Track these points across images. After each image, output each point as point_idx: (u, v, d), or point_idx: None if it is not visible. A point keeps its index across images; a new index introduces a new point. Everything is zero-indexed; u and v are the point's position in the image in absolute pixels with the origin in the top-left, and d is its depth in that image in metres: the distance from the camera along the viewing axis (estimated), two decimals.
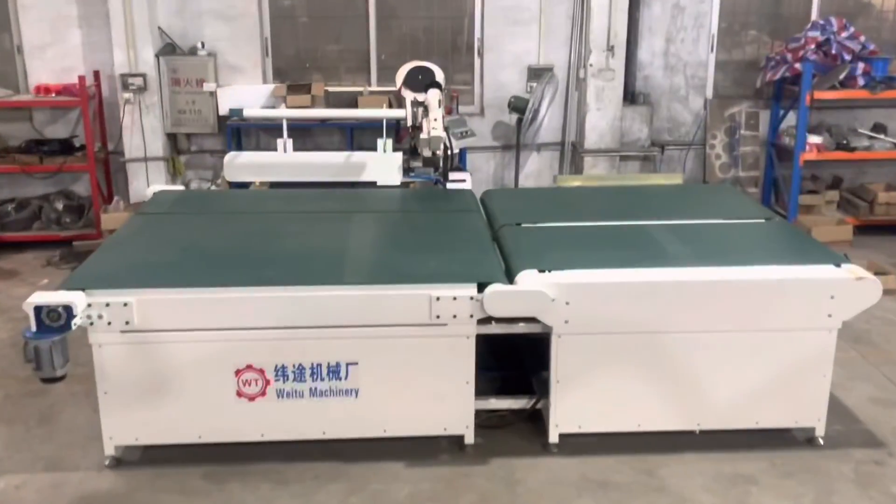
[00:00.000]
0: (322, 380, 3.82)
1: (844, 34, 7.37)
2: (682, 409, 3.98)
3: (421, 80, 5.32)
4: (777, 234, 4.55)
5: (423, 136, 5.02)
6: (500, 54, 7.84)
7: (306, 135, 7.52)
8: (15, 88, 7.58)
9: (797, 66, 7.33)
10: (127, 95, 7.38)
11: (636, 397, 3.95)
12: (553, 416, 3.97)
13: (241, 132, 7.69)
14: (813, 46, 7.36)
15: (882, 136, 7.73)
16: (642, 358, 3.89)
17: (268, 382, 3.82)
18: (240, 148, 7.49)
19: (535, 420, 4.15)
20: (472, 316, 3.73)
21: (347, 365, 3.81)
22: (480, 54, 7.87)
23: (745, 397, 3.98)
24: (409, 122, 5.30)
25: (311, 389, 3.83)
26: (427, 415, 3.93)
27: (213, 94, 7.53)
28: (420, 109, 5.21)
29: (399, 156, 5.60)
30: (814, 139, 7.46)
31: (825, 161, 7.71)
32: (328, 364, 3.81)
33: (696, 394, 3.96)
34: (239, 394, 3.82)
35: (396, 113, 5.84)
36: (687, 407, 3.98)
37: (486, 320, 3.78)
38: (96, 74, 7.54)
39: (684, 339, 3.88)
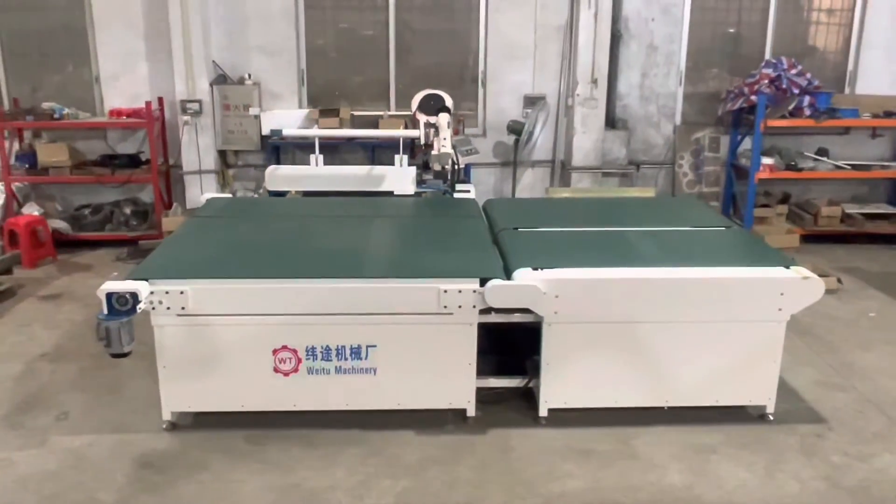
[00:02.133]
0: (346, 359, 3.80)
1: (793, 71, 7.32)
2: (654, 388, 3.95)
3: (433, 105, 5.31)
4: (735, 239, 4.51)
5: (434, 152, 5.01)
6: (500, 84, 7.81)
7: (335, 151, 7.50)
8: (92, 111, 7.59)
9: (753, 98, 7.28)
10: (185, 118, 7.37)
11: (614, 377, 3.91)
12: (543, 393, 3.94)
13: (279, 149, 7.67)
14: (766, 81, 7.31)
15: (825, 159, 7.67)
16: (620, 344, 3.86)
17: (300, 360, 3.80)
18: (279, 162, 7.47)
19: (528, 397, 4.12)
20: (474, 307, 3.71)
21: (367, 347, 3.79)
22: (483, 84, 7.84)
23: (707, 378, 3.94)
24: (423, 141, 5.29)
25: (336, 367, 3.81)
26: (435, 391, 3.90)
27: (257, 117, 7.52)
28: (432, 130, 5.20)
29: (413, 169, 5.58)
30: (766, 160, 7.41)
31: (776, 179, 7.65)
32: (351, 346, 3.78)
33: (666, 375, 3.92)
34: (275, 370, 3.80)
35: (411, 133, 5.82)
36: (657, 386, 3.95)
37: (487, 310, 3.76)
38: (160, 100, 7.54)
39: (656, 328, 3.84)
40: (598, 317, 3.81)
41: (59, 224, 7.32)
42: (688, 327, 3.85)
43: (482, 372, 3.93)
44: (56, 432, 3.92)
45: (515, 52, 7.72)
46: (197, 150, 7.48)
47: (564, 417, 3.97)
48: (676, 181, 8.08)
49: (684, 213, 5.14)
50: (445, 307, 3.69)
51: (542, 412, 3.97)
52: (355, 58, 7.79)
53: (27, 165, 7.30)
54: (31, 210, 7.30)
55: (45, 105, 7.27)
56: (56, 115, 7.18)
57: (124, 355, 3.53)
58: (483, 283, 3.68)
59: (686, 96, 8.02)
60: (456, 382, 3.89)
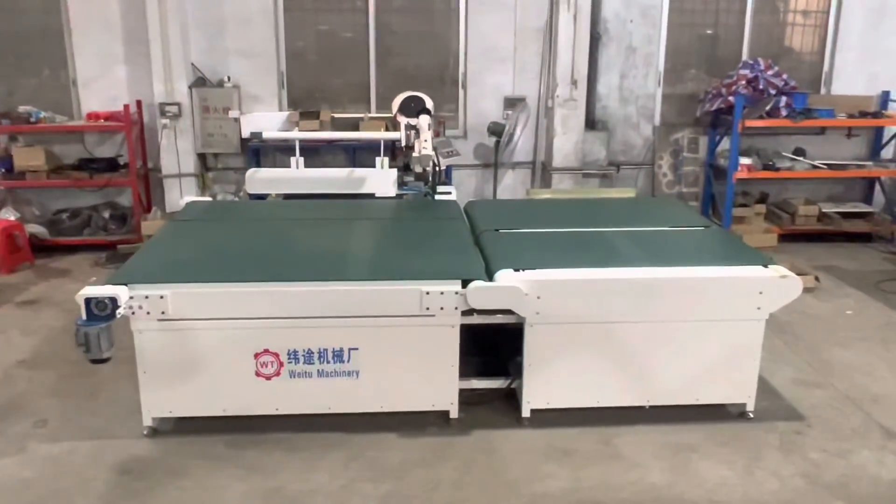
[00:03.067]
0: (328, 362, 3.79)
1: (770, 72, 7.40)
2: (635, 387, 3.97)
3: (413, 108, 5.29)
4: (714, 239, 4.54)
5: (415, 154, 5.00)
6: (480, 86, 7.82)
7: (315, 154, 7.48)
8: (70, 115, 7.51)
9: (731, 98, 7.35)
10: (164, 121, 7.32)
11: (596, 377, 3.93)
12: (525, 394, 3.95)
13: (260, 152, 7.64)
14: (744, 82, 7.38)
15: (801, 159, 7.76)
16: (602, 344, 3.87)
17: (282, 364, 3.78)
18: (259, 165, 7.43)
19: (510, 398, 4.13)
20: (456, 308, 3.71)
21: (349, 350, 3.78)
22: (464, 86, 7.85)
23: (688, 377, 3.97)
24: (403, 143, 5.27)
25: (318, 370, 3.79)
26: (418, 393, 3.89)
27: (237, 120, 7.47)
28: (412, 132, 5.18)
29: (394, 172, 5.57)
30: (745, 161, 7.47)
31: (754, 179, 7.72)
32: (333, 349, 3.77)
33: (647, 374, 3.94)
34: (257, 374, 3.78)
35: (392, 135, 5.81)
36: (638, 386, 3.97)
37: (469, 312, 3.76)
38: (139, 103, 7.48)
39: (637, 327, 3.86)
40: (580, 317, 3.82)
41: (37, 229, 7.24)
42: (668, 326, 3.87)
43: (465, 373, 3.93)
44: (35, 440, 3.87)
45: (495, 54, 7.73)
46: (176, 153, 7.43)
47: (547, 418, 3.98)
48: (656, 182, 8.13)
49: (664, 213, 5.17)
50: (427, 309, 3.69)
51: (525, 413, 3.98)
52: (335, 60, 7.78)
53: (3, 170, 7.21)
54: (8, 215, 7.21)
55: (22, 108, 7.19)
56: (32, 119, 7.10)
57: (104, 361, 3.50)
58: (465, 284, 3.68)
59: (665, 97, 8.07)
60: (439, 384, 3.88)
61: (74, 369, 4.62)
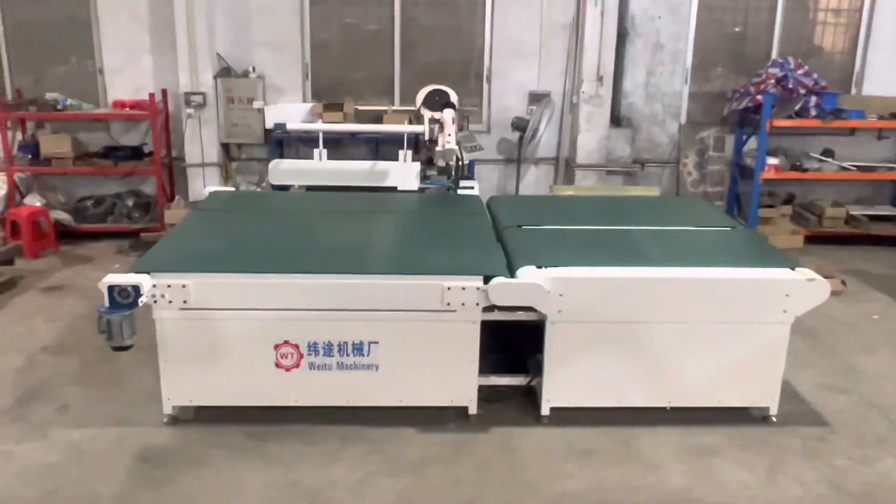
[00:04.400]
0: (348, 355, 3.79)
1: (800, 71, 7.29)
2: (656, 388, 3.93)
3: (438, 101, 5.28)
4: (740, 240, 4.49)
5: (439, 148, 4.99)
6: (505, 81, 7.78)
7: (338, 146, 7.48)
8: (96, 103, 7.57)
9: (759, 97, 7.26)
10: (189, 111, 7.36)
11: (617, 377, 3.90)
12: (545, 392, 3.93)
13: (283, 143, 7.66)
14: (773, 81, 7.28)
15: (830, 160, 7.64)
16: (623, 343, 3.84)
17: (302, 356, 3.79)
18: (282, 156, 7.45)
19: (530, 395, 4.11)
20: (478, 304, 3.70)
21: (370, 343, 3.78)
22: (488, 81, 7.82)
23: (710, 379, 3.93)
24: (427, 137, 5.26)
25: (338, 363, 3.80)
26: (437, 388, 3.89)
27: (261, 110, 7.50)
28: (436, 126, 5.17)
29: (417, 165, 5.56)
30: (772, 161, 7.37)
31: (781, 180, 7.62)
32: (353, 342, 3.77)
33: (669, 375, 3.91)
34: (277, 365, 3.79)
35: (416, 128, 5.80)
36: (660, 386, 3.93)
37: (490, 308, 3.75)
38: (164, 92, 7.52)
39: (660, 328, 3.83)
40: (602, 316, 3.79)
41: (62, 215, 7.31)
42: (691, 327, 3.84)
43: (484, 370, 3.92)
44: (57, 425, 3.91)
45: (521, 50, 7.69)
46: (200, 142, 7.47)
47: (566, 416, 3.96)
48: (680, 180, 8.06)
49: (688, 212, 5.12)
50: (448, 304, 3.68)
51: (545, 411, 3.96)
52: (360, 53, 7.77)
53: (30, 156, 7.29)
54: (34, 201, 7.29)
55: (49, 96, 7.25)
56: (59, 106, 7.17)
57: (126, 348, 3.53)
58: (486, 280, 3.66)
59: (692, 95, 7.99)
60: (458, 380, 3.88)
61: (97, 356, 4.66)
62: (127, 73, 7.53)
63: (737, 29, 7.93)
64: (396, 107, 7.65)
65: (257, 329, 3.74)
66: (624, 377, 3.90)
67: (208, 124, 7.45)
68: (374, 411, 3.94)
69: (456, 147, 4.99)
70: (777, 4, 7.76)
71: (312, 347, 3.78)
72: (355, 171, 5.62)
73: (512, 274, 3.76)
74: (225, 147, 7.69)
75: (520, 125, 7.53)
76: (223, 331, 3.74)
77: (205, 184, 7.31)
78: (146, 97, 7.19)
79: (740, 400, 4.01)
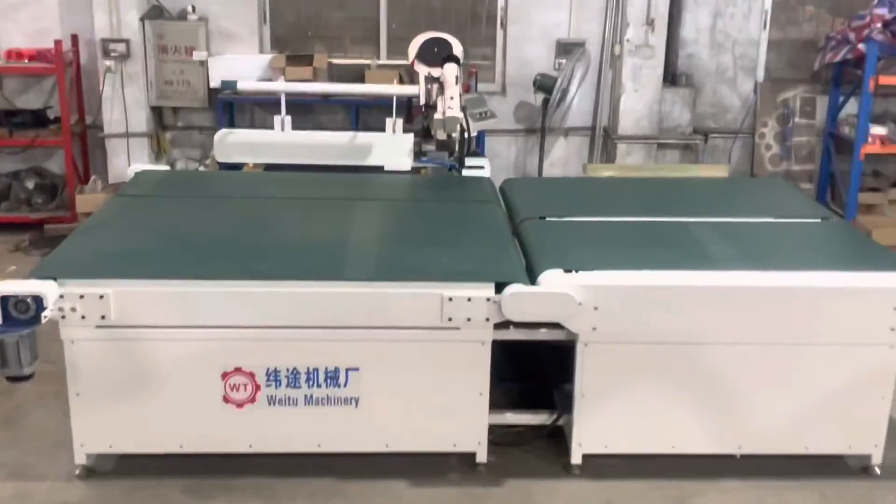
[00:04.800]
0: (319, 386, 3.82)
1: None
2: (723, 429, 3.96)
3: (436, 54, 5.30)
4: (834, 235, 4.52)
5: (438, 116, 5.00)
6: (525, 26, 7.81)
7: (306, 112, 7.52)
8: None
9: (861, 46, 7.27)
10: (108, 63, 7.38)
11: (670, 415, 3.93)
12: (576, 433, 3.96)
13: (233, 107, 7.69)
14: (879, 25, 7.28)
15: None
16: (679, 371, 3.87)
17: (258, 387, 3.81)
18: (232, 125, 7.49)
19: (556, 438, 4.14)
20: (488, 319, 3.72)
21: (347, 370, 3.81)
22: (503, 26, 7.85)
23: (794, 419, 3.95)
24: (422, 101, 5.28)
25: (306, 397, 3.82)
26: (435, 429, 3.92)
27: (203, 63, 7.53)
28: (435, 86, 5.20)
29: (410, 138, 5.58)
30: (877, 130, 7.39)
31: (889, 155, 7.64)
32: (326, 369, 3.80)
33: (739, 413, 3.93)
34: (226, 399, 3.82)
35: (408, 90, 5.83)
36: (727, 428, 3.96)
37: (504, 325, 3.77)
38: (74, 39, 7.55)
39: (727, 351, 3.85)
40: (651, 335, 3.82)
41: None
42: (769, 351, 3.86)
43: (497, 405, 3.95)
44: None
45: None
46: (123, 106, 7.50)
47: (604, 466, 3.99)
48: (757, 156, 8.08)
49: (766, 198, 5.14)
50: (450, 320, 3.71)
51: (576, 458, 3.99)
52: None
53: None
54: None
55: None
56: None
57: (24, 378, 3.52)
58: (499, 288, 3.69)
59: (772, 44, 8.02)
60: (463, 418, 3.91)
61: None
62: (25, 14, 7.56)
63: None
64: (383, 60, 7.68)
65: (200, 353, 3.77)
66: (680, 415, 3.92)
67: (133, 82, 7.48)
68: (353, 459, 3.97)
69: (460, 114, 5.01)
70: None
71: (272, 376, 3.80)
72: (329, 145, 5.64)
73: (532, 280, 3.79)
74: (156, 112, 7.72)
75: (545, 85, 7.56)
76: (154, 355, 3.76)
77: (129, 161, 7.34)
78: (50, 45, 7.21)
79: (833, 445, 4.04)
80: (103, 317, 3.65)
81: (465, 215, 4.61)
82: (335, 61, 7.56)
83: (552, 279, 3.76)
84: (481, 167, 5.59)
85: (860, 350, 3.88)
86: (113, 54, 7.36)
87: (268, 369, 3.79)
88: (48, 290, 3.52)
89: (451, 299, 3.68)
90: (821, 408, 3.94)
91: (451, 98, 4.98)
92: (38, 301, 3.46)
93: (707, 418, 3.94)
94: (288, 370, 3.79)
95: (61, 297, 3.60)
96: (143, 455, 3.96)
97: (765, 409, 3.93)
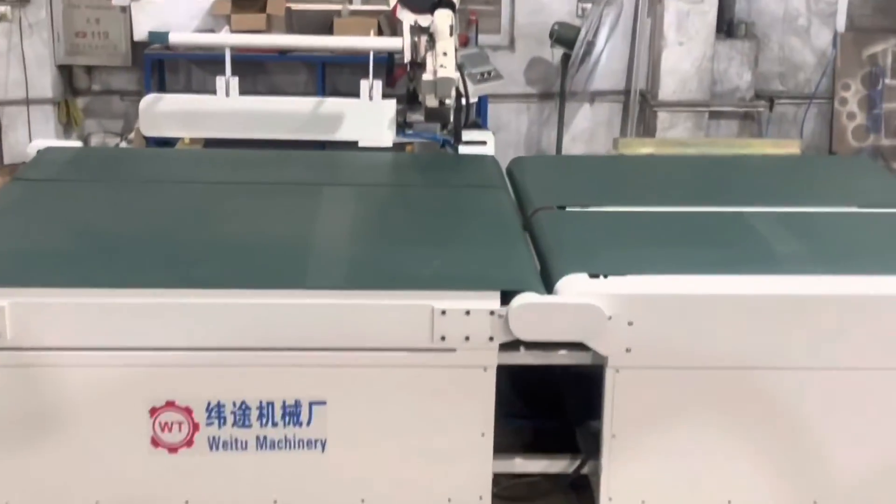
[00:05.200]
0: (275, 425, 3.81)
1: None
2: (793, 480, 3.97)
3: None
4: None
5: (427, 76, 5.01)
6: None
7: (259, 71, 7.54)
8: None
9: None
10: (2, 9, 7.38)
11: (725, 461, 3.93)
12: (606, 484, 3.95)
13: (164, 66, 7.69)
14: None
15: None
16: (735, 404, 3.88)
17: (196, 427, 3.81)
18: (163, 89, 7.49)
19: (580, 490, 4.16)
20: (491, 339, 3.72)
21: (311, 405, 3.80)
22: None
23: (886, 467, 3.96)
24: (408, 57, 5.28)
25: (258, 439, 3.82)
26: (425, 480, 3.92)
27: (125, 10, 7.52)
28: (423, 39, 5.20)
29: (392, 105, 5.59)
30: None
31: None
32: (284, 402, 3.80)
33: (814, 458, 3.94)
34: (155, 442, 3.81)
35: (389, 43, 5.83)
36: (800, 477, 3.96)
37: (513, 345, 3.77)
38: None
39: (798, 378, 3.86)
40: (700, 358, 3.82)
41: None
42: (855, 378, 3.87)
43: (504, 448, 3.96)
44: None
45: None
46: (22, 64, 7.50)
47: None
48: (837, 128, 8.10)
49: (849, 182, 5.17)
50: (443, 339, 3.71)
51: None
52: None
53: None
54: None
55: None
56: None
57: None
58: (506, 298, 3.69)
59: None
60: (460, 466, 3.90)
61: None
62: None
63: None
64: (356, 6, 7.68)
65: (122, 383, 3.76)
66: (737, 460, 3.93)
67: (35, 33, 7.48)
68: None
69: (456, 74, 5.02)
70: None
71: (215, 412, 3.80)
72: (287, 114, 5.65)
73: (548, 288, 3.79)
74: (65, 72, 7.72)
75: (565, 36, 7.57)
76: (63, 386, 3.76)
77: (31, 135, 7.33)
78: None
79: None
80: None
81: (462, 204, 4.63)
82: (295, 6, 7.55)
83: (574, 286, 3.76)
84: (483, 143, 5.60)
85: None
86: None
87: (209, 403, 3.78)
88: None
89: (444, 313, 3.68)
90: None
91: (445, 54, 4.99)
92: None
93: (773, 464, 3.94)
94: (235, 405, 3.79)
95: None
96: None
97: (848, 453, 3.94)
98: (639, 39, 7.91)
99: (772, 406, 3.88)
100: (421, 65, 5.16)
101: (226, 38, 6.08)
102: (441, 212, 4.55)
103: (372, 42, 6.12)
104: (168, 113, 5.67)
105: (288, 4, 7.49)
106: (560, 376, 4.19)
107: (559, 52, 7.65)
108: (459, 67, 5.13)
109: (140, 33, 7.42)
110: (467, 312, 3.68)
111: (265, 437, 3.82)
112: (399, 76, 6.08)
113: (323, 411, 3.81)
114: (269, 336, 3.72)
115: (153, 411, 3.78)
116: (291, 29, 7.42)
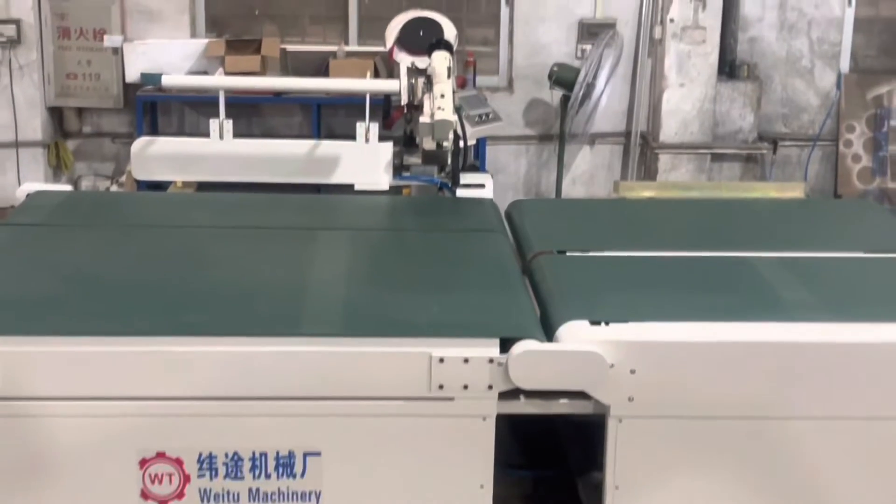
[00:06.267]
0: (268, 477, 3.79)
1: None
2: None
3: (422, 38, 5.34)
4: None
5: (425, 119, 5.02)
6: (538, 2, 7.87)
7: (253, 113, 7.56)
8: None
9: None
10: None
11: None
12: None
13: (157, 108, 7.71)
14: None
15: None
16: (743, 455, 3.85)
17: (187, 479, 3.78)
18: (155, 131, 7.51)
19: None
20: (490, 387, 3.70)
21: (305, 456, 3.78)
22: (510, 2, 7.90)
23: None
24: (405, 100, 5.30)
25: (251, 491, 3.79)
26: None
27: (117, 51, 7.56)
28: (421, 81, 5.22)
29: (388, 147, 5.60)
30: None
31: None
32: (277, 454, 3.77)
33: None
34: (145, 495, 3.78)
35: (385, 85, 5.84)
36: None
37: (512, 394, 3.76)
38: None
39: (808, 428, 3.84)
40: (705, 408, 3.81)
41: None
42: (865, 428, 3.85)
43: (504, 499, 3.94)
44: None
45: None
46: (12, 106, 7.53)
47: None
48: (842, 170, 8.12)
49: (855, 226, 5.18)
50: (441, 388, 3.69)
51: None
52: None
53: None
54: None
55: None
56: None
57: None
58: (506, 346, 3.68)
59: (860, 24, 8.09)
60: None
61: None
62: None
63: None
64: (352, 47, 7.72)
65: (111, 433, 3.74)
66: None
67: (26, 74, 7.51)
68: None
69: (454, 117, 5.03)
70: None
71: (206, 464, 3.77)
72: (282, 156, 5.66)
73: (549, 335, 3.79)
74: (55, 114, 7.74)
75: (564, 78, 7.61)
76: (52, 436, 3.73)
77: (20, 178, 7.34)
78: None
79: None
80: None
81: (460, 249, 4.64)
82: (290, 48, 7.60)
83: (575, 333, 3.75)
84: (481, 185, 5.61)
85: None
86: (0, 40, 7.38)
87: (200, 455, 3.76)
88: None
89: (442, 360, 3.66)
90: None
91: (442, 96, 5.01)
92: None
93: None
94: (227, 456, 3.76)
95: None
96: None
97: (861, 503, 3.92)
98: (639, 80, 7.95)
99: (778, 456, 3.86)
100: (418, 107, 5.18)
101: (220, 80, 6.11)
102: (438, 256, 4.55)
103: (368, 84, 6.15)
104: (160, 156, 5.67)
105: (283, 46, 7.53)
106: (561, 425, 4.17)
107: (558, 93, 7.69)
108: (457, 109, 5.15)
109: (132, 75, 7.47)
110: (466, 360, 3.67)
111: (258, 490, 3.79)
112: (396, 118, 6.09)
113: (318, 462, 3.78)
114: (263, 385, 3.71)
115: (143, 462, 3.76)
116: (286, 70, 7.46)
